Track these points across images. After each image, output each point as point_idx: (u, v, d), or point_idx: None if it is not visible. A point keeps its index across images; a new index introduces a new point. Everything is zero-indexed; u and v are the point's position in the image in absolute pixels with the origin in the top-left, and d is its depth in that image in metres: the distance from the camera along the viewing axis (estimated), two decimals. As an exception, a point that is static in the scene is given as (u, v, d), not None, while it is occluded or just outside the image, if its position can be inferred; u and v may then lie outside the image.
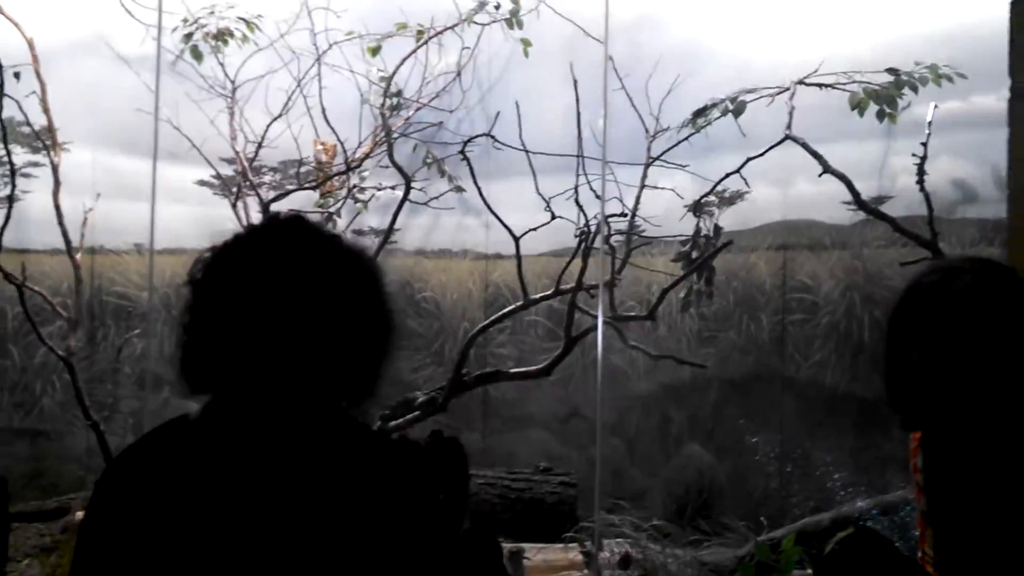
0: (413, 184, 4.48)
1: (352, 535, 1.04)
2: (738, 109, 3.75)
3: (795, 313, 4.88)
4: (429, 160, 4.75)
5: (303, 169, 4.92)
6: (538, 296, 4.40)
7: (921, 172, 3.15)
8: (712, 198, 4.83)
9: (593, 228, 3.99)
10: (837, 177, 3.32)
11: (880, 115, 3.77)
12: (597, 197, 3.94)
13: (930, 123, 3.27)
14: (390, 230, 4.49)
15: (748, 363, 5.12)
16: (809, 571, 4.03)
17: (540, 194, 4.26)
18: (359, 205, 4.69)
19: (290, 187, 4.69)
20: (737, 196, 5.06)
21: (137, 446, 1.13)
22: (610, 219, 4.00)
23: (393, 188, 4.70)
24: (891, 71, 3.71)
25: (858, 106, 3.78)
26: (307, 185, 4.66)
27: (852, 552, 1.56)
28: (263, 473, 1.04)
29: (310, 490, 1.04)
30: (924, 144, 3.22)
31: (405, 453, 1.16)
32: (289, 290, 1.09)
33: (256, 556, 1.01)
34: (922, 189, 3.18)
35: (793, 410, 4.99)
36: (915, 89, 3.54)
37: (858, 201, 3.29)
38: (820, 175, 3.37)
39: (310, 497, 1.04)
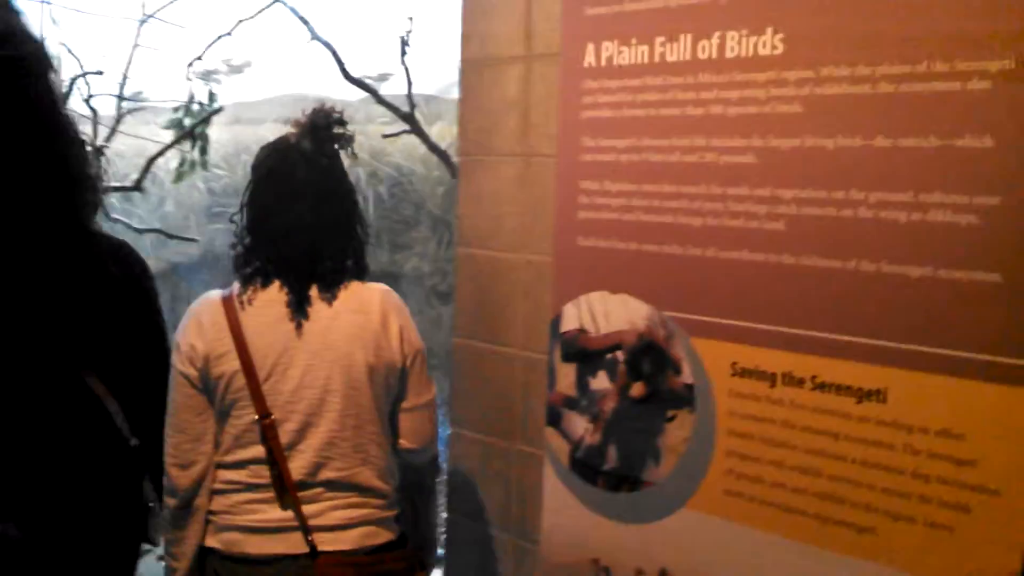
0: None
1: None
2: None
3: (304, 189, 4.83)
4: None
5: None
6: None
7: (403, 47, 3.17)
8: (220, 66, 4.55)
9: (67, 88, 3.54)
10: (323, 45, 3.25)
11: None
12: (70, 53, 3.47)
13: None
14: None
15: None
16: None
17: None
18: None
19: None
20: (245, 65, 4.82)
21: None
22: (88, 77, 3.56)
23: None
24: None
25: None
26: None
27: None
28: None
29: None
30: (411, 19, 3.25)
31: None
32: None
33: None
34: (403, 63, 3.22)
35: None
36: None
37: (343, 71, 3.25)
38: (309, 41, 3.28)
39: None
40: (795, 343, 1.66)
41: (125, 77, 4.02)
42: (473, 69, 2.22)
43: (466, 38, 2.24)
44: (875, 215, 1.56)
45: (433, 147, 3.25)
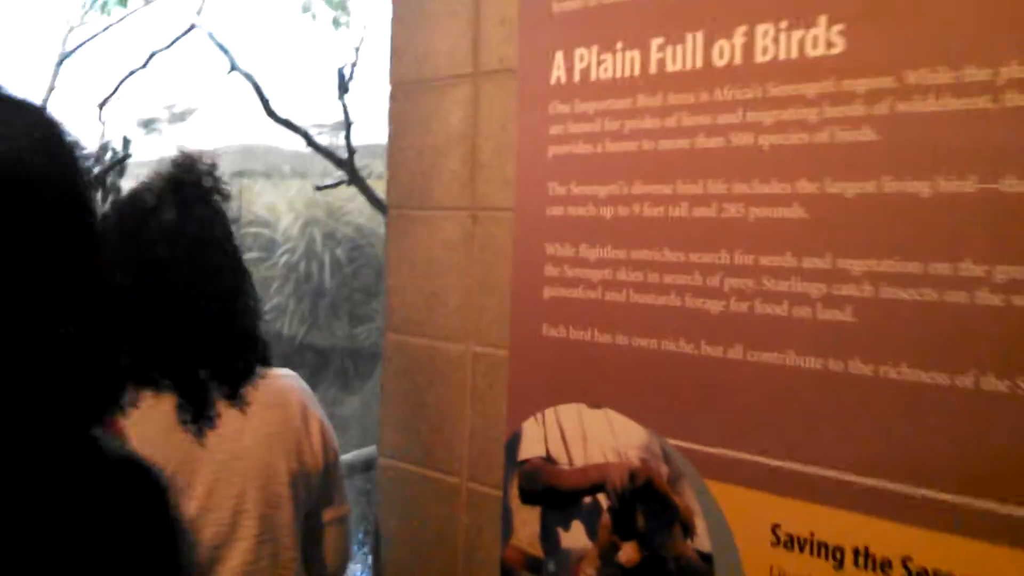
0: None
1: None
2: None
3: (252, 251, 4.27)
4: None
5: None
6: None
7: (342, 82, 2.61)
8: (162, 113, 4.02)
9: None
10: (245, 77, 2.70)
11: (335, 23, 3.26)
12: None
13: (363, 39, 2.78)
14: None
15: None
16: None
17: None
18: None
19: None
20: (188, 112, 4.30)
21: None
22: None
23: None
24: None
25: (309, 10, 3.24)
26: None
27: None
28: None
29: None
30: (356, 49, 2.71)
31: None
32: None
33: None
34: (342, 102, 2.65)
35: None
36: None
37: (267, 109, 2.69)
38: (229, 72, 2.72)
39: None
40: (875, 502, 1.06)
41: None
42: (405, 94, 1.65)
43: (397, 55, 1.67)
44: (1006, 301, 0.97)
45: (375, 200, 2.68)
